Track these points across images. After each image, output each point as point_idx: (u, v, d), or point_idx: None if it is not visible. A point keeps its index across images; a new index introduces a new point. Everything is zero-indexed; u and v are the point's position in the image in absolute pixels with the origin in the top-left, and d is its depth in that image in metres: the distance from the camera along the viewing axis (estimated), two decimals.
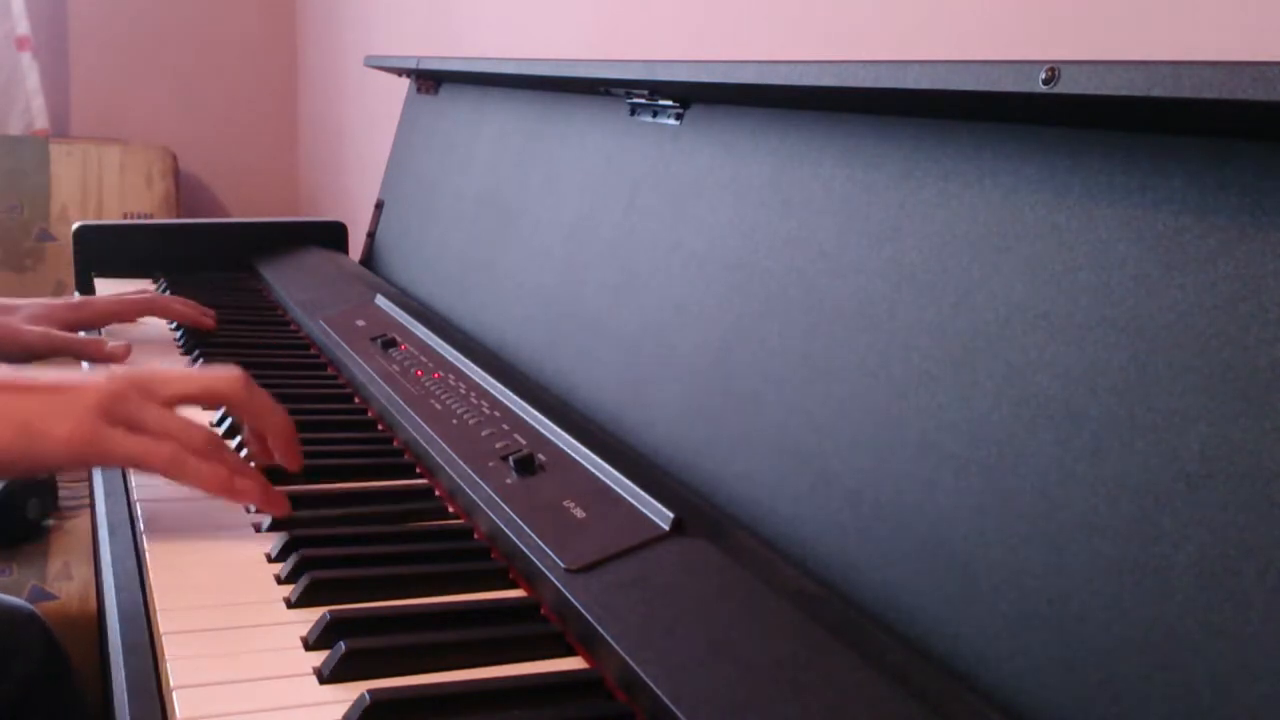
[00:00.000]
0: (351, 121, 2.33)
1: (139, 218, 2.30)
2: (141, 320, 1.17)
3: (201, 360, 1.03)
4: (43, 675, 1.01)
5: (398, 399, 0.88)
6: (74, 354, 1.03)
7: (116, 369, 0.72)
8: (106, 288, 1.36)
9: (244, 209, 2.69)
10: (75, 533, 1.58)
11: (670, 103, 0.86)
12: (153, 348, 1.10)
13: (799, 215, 0.69)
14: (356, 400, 0.96)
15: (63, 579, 1.46)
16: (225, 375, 0.74)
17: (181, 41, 2.59)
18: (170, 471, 0.67)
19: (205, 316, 1.13)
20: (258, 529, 0.70)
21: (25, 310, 1.06)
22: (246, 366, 1.01)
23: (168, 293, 1.29)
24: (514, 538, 0.65)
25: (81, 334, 1.09)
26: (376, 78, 1.95)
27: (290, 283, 1.31)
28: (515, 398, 0.82)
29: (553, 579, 0.60)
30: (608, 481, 0.68)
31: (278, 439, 0.75)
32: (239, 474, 0.69)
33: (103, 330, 1.15)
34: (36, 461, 0.66)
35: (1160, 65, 0.43)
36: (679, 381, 0.76)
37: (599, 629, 0.55)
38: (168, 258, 1.44)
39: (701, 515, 0.64)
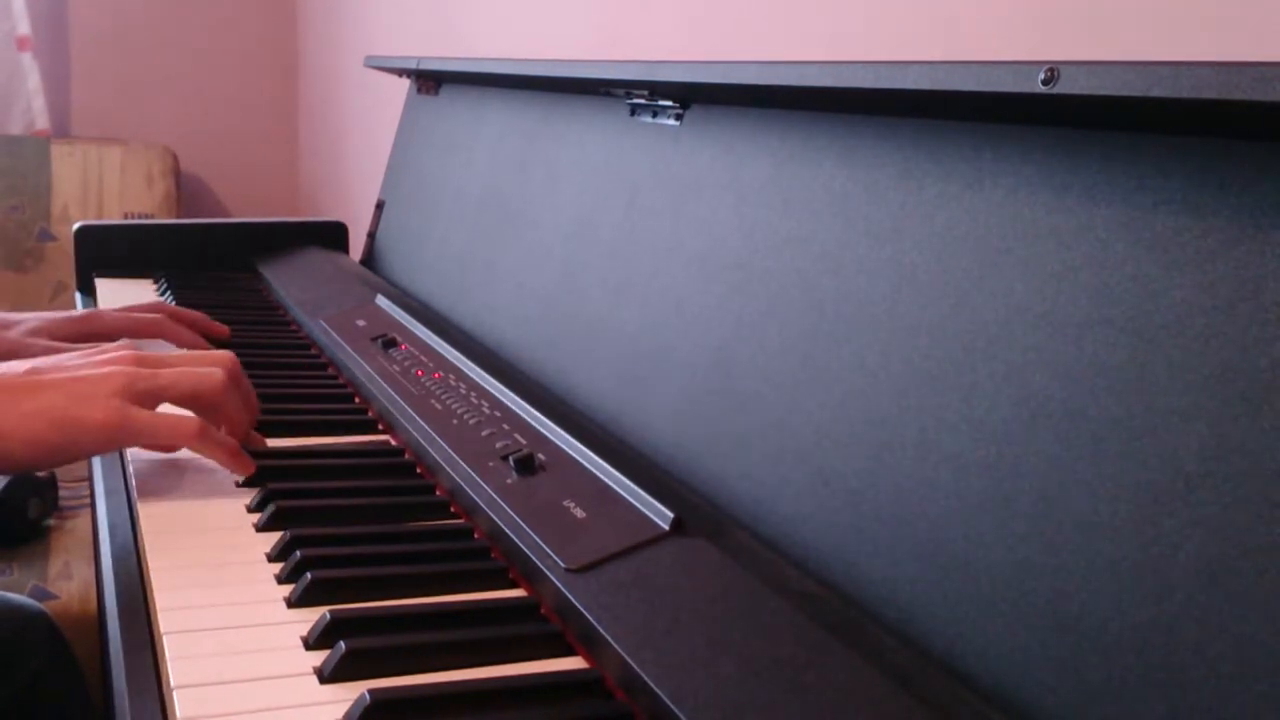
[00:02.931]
0: (351, 121, 2.33)
1: (139, 217, 2.30)
2: None
3: None
4: (50, 673, 1.02)
5: (398, 399, 0.88)
6: None
7: (118, 353, 0.75)
8: (107, 288, 1.36)
9: (244, 209, 2.69)
10: (75, 533, 1.58)
11: (670, 103, 0.86)
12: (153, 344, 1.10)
13: (799, 215, 0.70)
14: (356, 400, 0.96)
15: (63, 579, 1.46)
16: (213, 376, 0.76)
17: (182, 41, 2.59)
18: (199, 445, 0.73)
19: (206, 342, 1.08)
20: (258, 529, 0.70)
21: (25, 325, 1.02)
22: (247, 366, 1.01)
23: (167, 293, 1.29)
24: (514, 538, 0.65)
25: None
26: (376, 78, 1.95)
27: (290, 283, 1.31)
28: (515, 398, 0.82)
29: (553, 579, 0.60)
30: (608, 481, 0.68)
31: (241, 434, 0.78)
32: (240, 448, 0.76)
33: None
34: (77, 450, 0.70)
35: (1160, 65, 0.43)
36: (679, 381, 0.76)
37: (599, 629, 0.55)
38: (168, 258, 1.44)
39: (701, 515, 0.64)
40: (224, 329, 1.11)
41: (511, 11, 1.61)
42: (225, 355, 0.79)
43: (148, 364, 0.74)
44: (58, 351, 0.96)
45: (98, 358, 0.74)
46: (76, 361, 0.74)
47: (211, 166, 2.65)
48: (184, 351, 0.81)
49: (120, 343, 0.79)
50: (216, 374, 0.75)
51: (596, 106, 0.98)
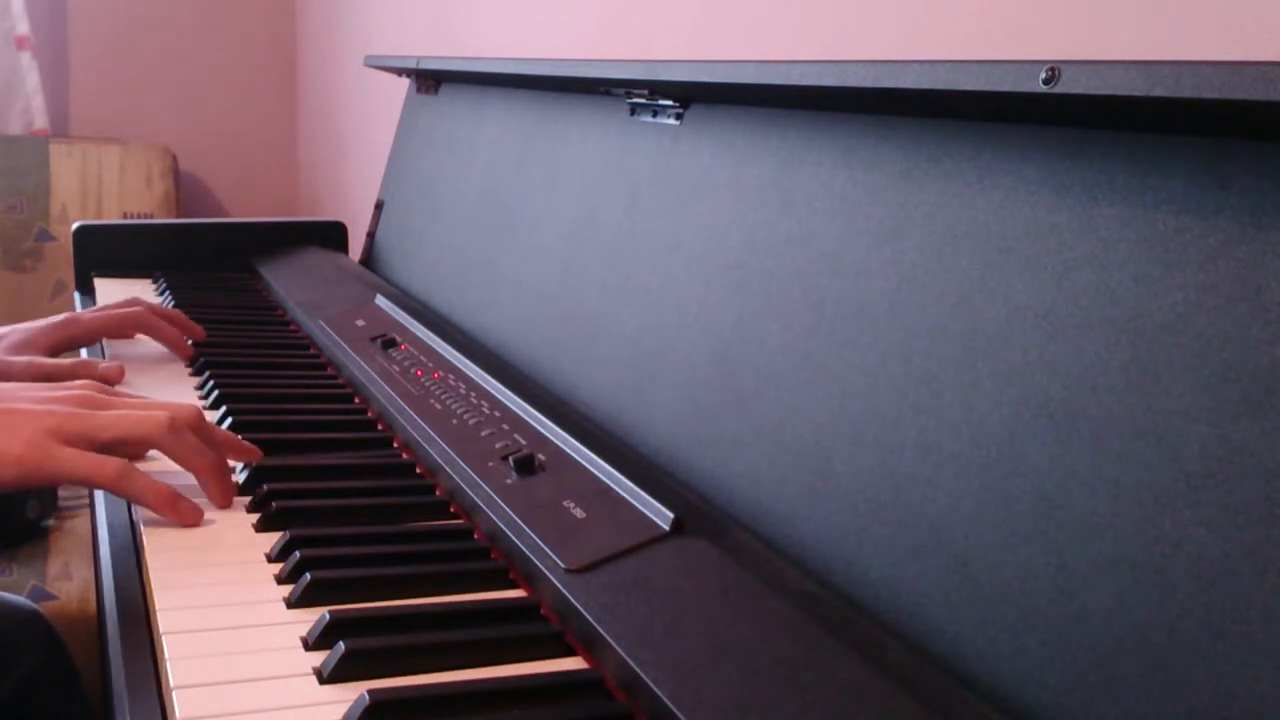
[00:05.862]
0: (351, 121, 2.33)
1: (139, 218, 2.30)
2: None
3: (202, 361, 1.03)
4: (45, 673, 1.01)
5: (398, 399, 0.88)
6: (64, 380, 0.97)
7: (70, 392, 0.74)
8: (106, 288, 1.36)
9: (244, 209, 2.69)
10: (75, 533, 1.58)
11: (670, 103, 0.86)
12: (155, 352, 1.09)
13: (799, 215, 0.69)
14: (356, 400, 0.96)
15: (63, 579, 1.46)
16: (151, 419, 0.72)
17: (181, 41, 2.59)
18: (117, 487, 0.69)
19: (186, 343, 1.07)
20: (258, 529, 0.70)
21: (7, 339, 1.00)
22: (246, 367, 1.02)
23: (166, 293, 1.29)
24: (514, 538, 0.65)
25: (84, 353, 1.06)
26: (376, 78, 1.95)
27: (290, 283, 1.31)
28: (515, 398, 0.82)
29: (553, 579, 0.60)
30: (608, 481, 0.68)
31: (203, 481, 0.74)
32: (181, 496, 0.71)
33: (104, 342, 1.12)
34: None
35: (1160, 65, 0.43)
36: (679, 381, 0.76)
37: (599, 629, 0.55)
38: (167, 258, 1.44)
39: (701, 515, 0.64)
40: (200, 331, 1.09)
41: (511, 10, 1.61)
42: (182, 405, 0.76)
43: (91, 405, 0.72)
44: (38, 369, 0.95)
45: (47, 394, 0.73)
46: (23, 394, 0.73)
47: (211, 166, 2.65)
48: (143, 399, 0.79)
49: (80, 383, 0.76)
50: (157, 417, 0.72)
51: (596, 106, 0.98)
